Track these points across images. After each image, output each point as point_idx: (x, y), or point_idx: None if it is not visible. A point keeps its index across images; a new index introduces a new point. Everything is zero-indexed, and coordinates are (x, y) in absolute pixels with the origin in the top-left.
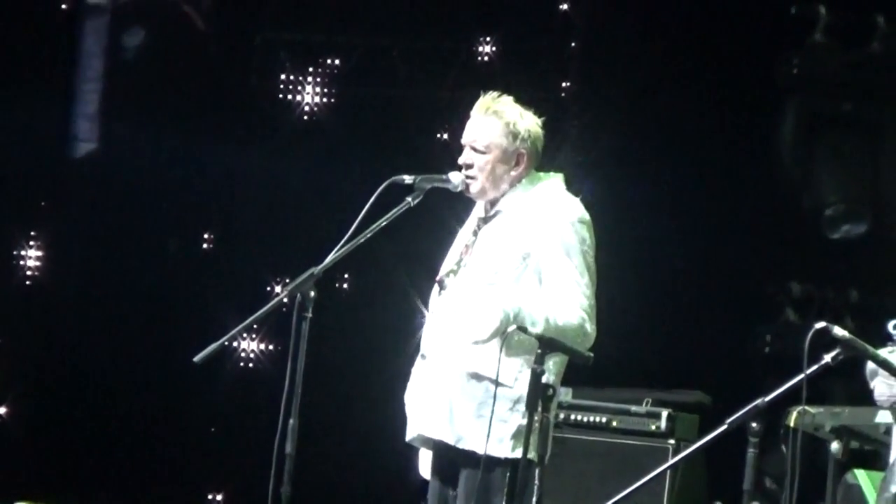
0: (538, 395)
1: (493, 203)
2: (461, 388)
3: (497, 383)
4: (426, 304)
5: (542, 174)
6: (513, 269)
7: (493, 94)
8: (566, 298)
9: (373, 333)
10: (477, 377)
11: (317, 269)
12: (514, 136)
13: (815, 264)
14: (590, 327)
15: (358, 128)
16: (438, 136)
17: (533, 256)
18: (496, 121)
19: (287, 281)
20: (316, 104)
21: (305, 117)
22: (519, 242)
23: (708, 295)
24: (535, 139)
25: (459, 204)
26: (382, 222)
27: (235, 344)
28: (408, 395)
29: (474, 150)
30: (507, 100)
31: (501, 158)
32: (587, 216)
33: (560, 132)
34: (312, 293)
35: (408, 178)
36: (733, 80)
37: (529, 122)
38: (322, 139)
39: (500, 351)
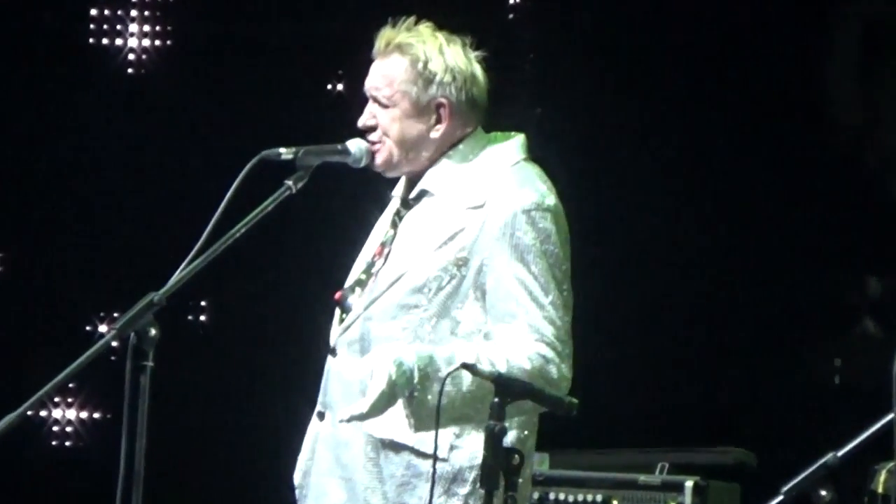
0: (499, 465)
1: (414, 180)
2: (372, 463)
3: (422, 454)
4: (327, 337)
5: (497, 135)
6: (442, 282)
7: (404, 23)
8: (517, 329)
9: (245, 386)
10: (393, 446)
11: (158, 295)
12: (428, 78)
13: None
14: (555, 370)
15: (208, 82)
16: (329, 87)
17: (473, 263)
18: (399, 59)
19: (115, 315)
20: (144, 50)
21: (130, 70)
22: (451, 241)
23: (743, 305)
24: (464, 83)
25: (378, 186)
26: (252, 219)
27: (44, 412)
28: (298, 472)
29: (377, 103)
30: (422, 29)
31: (411, 112)
32: (553, 199)
33: (508, 72)
34: (153, 331)
35: (286, 152)
36: None
37: (454, 59)
38: (156, 101)
39: (439, 407)
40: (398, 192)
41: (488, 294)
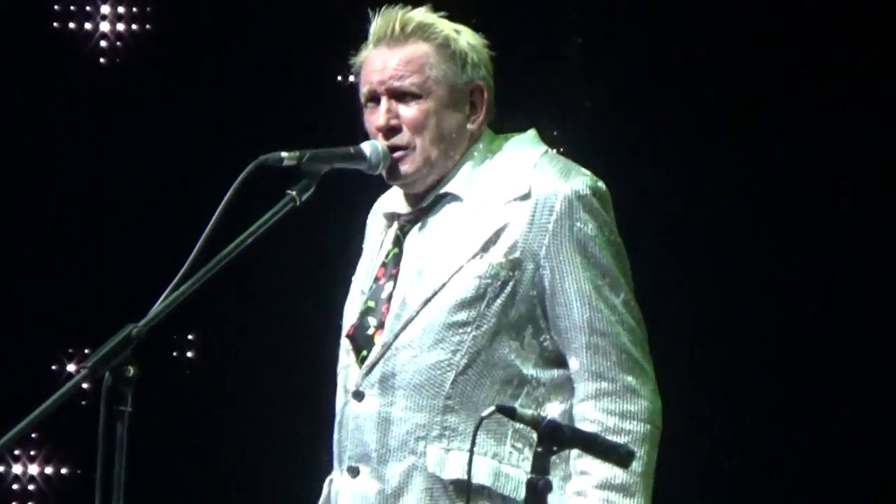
0: None
1: (421, 192)
2: None
3: (503, 499)
4: (334, 377)
5: (510, 135)
6: (495, 290)
7: (401, 7)
8: (589, 344)
9: (240, 433)
10: (466, 490)
11: (137, 327)
12: (463, 60)
13: None
14: (650, 405)
15: (195, 74)
16: (339, 79)
17: (526, 265)
18: (422, 43)
19: (86, 351)
20: (119, 35)
21: (102, 59)
22: (497, 241)
23: (855, 331)
24: (488, 66)
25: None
26: (248, 237)
27: (1, 468)
28: None
29: (398, 97)
30: (426, 12)
31: (448, 101)
32: (602, 184)
33: (549, 66)
34: (132, 370)
35: (288, 157)
36: None
37: (473, 39)
38: (134, 96)
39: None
40: (391, 207)
41: (549, 298)
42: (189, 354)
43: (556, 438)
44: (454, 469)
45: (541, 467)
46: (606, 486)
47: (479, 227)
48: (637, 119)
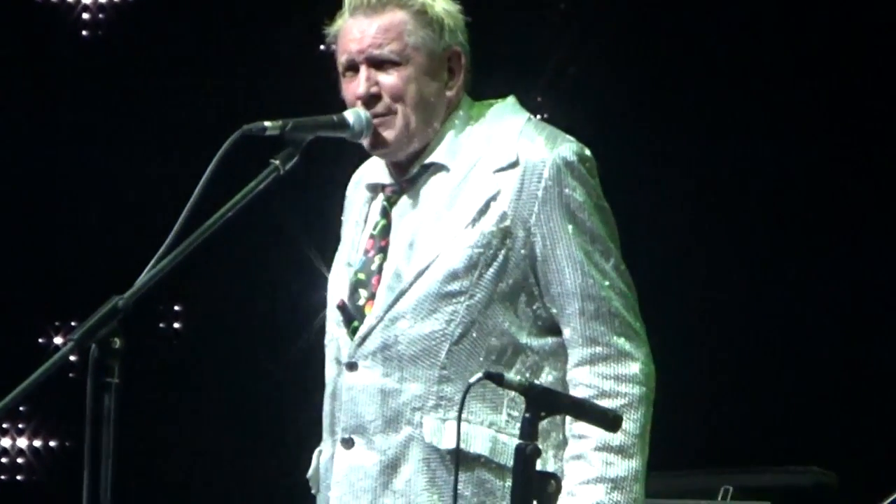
0: (530, 493)
1: (405, 162)
2: (431, 483)
3: (499, 467)
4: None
5: (485, 101)
6: (487, 259)
7: None
8: (583, 310)
9: (227, 404)
10: (462, 459)
11: (123, 299)
12: (440, 25)
13: None
14: (644, 368)
15: (178, 46)
16: (322, 48)
17: (517, 233)
18: (399, 12)
19: (72, 324)
20: (101, 7)
21: (85, 31)
22: (487, 210)
23: (820, 306)
24: (463, 30)
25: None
26: (233, 207)
27: None
28: None
29: (377, 65)
30: None
31: (427, 67)
32: (587, 151)
33: (536, 21)
34: (118, 342)
35: (271, 126)
36: None
37: (448, 4)
38: (116, 69)
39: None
40: (375, 177)
41: (540, 265)
42: (176, 325)
43: (544, 404)
44: (451, 439)
45: (529, 433)
46: (605, 447)
47: (468, 197)
48: (621, 85)
